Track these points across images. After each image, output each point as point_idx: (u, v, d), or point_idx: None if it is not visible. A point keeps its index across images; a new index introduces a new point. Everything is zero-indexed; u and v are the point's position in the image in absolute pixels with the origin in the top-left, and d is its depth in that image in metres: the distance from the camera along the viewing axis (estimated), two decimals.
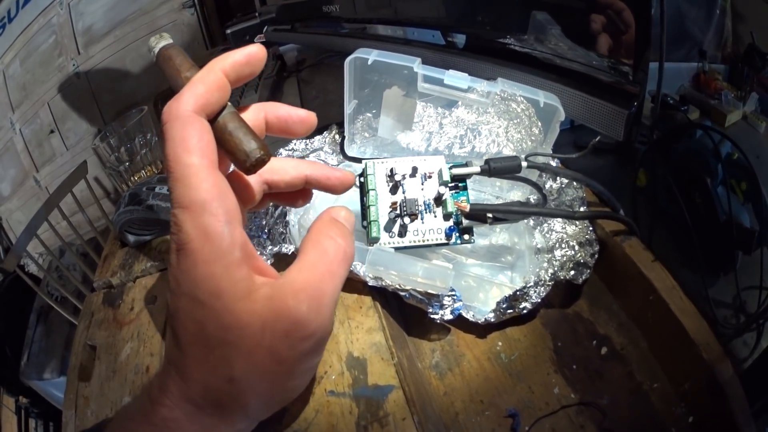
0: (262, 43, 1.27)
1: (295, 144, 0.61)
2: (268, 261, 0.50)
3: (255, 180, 0.33)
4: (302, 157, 0.60)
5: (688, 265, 0.59)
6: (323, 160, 0.60)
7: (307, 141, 0.61)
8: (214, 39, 1.84)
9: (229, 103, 0.29)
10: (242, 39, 1.36)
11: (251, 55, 0.29)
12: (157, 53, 0.31)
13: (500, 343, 0.47)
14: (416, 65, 0.50)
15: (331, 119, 0.65)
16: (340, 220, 0.31)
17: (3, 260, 1.22)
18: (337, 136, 0.63)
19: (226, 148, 0.28)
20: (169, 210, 0.64)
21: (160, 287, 0.59)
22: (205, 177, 0.25)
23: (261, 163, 0.27)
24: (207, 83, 0.27)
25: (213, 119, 0.28)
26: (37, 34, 1.67)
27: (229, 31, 1.37)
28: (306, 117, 0.32)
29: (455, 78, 0.49)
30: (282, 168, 0.34)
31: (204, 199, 0.25)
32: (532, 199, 0.54)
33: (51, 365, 1.36)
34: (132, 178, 0.80)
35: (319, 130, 0.63)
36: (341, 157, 0.60)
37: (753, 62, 0.61)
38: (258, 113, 0.32)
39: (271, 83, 0.98)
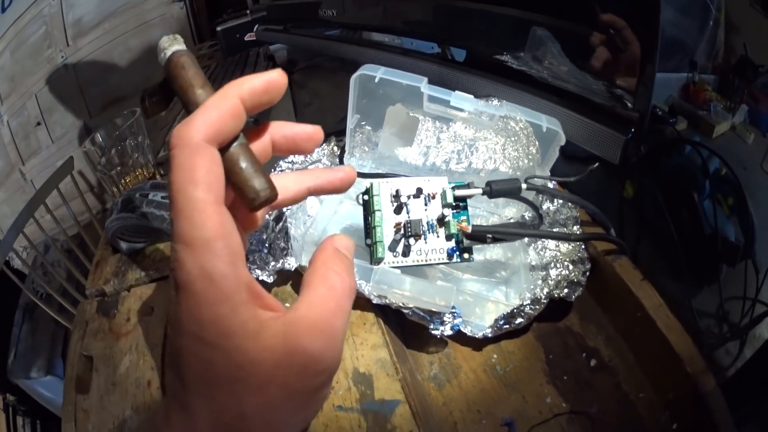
0: (252, 41, 1.26)
1: (294, 156, 0.61)
2: (271, 277, 0.50)
3: None
4: (301, 170, 0.60)
5: (673, 275, 0.60)
6: None
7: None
8: (203, 34, 1.83)
9: (241, 134, 0.27)
10: (232, 37, 1.35)
11: (271, 82, 0.27)
12: (168, 58, 0.28)
13: (495, 356, 0.49)
14: (423, 85, 0.50)
15: (327, 128, 0.65)
16: (343, 251, 0.31)
17: None
18: (335, 148, 0.63)
19: (233, 182, 0.26)
20: (163, 218, 0.62)
21: (156, 298, 0.59)
22: (210, 214, 0.24)
23: (267, 202, 0.26)
24: (221, 110, 0.25)
25: (224, 148, 0.26)
26: (28, 24, 1.64)
27: (219, 29, 1.36)
28: (313, 133, 0.31)
29: (461, 100, 0.50)
30: (284, 186, 0.32)
31: (208, 238, 0.24)
32: (526, 216, 0.55)
33: (38, 364, 1.34)
34: (123, 181, 0.79)
35: None
36: None
37: (744, 74, 0.61)
38: (263, 135, 0.30)
39: None
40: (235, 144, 0.26)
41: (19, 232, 1.24)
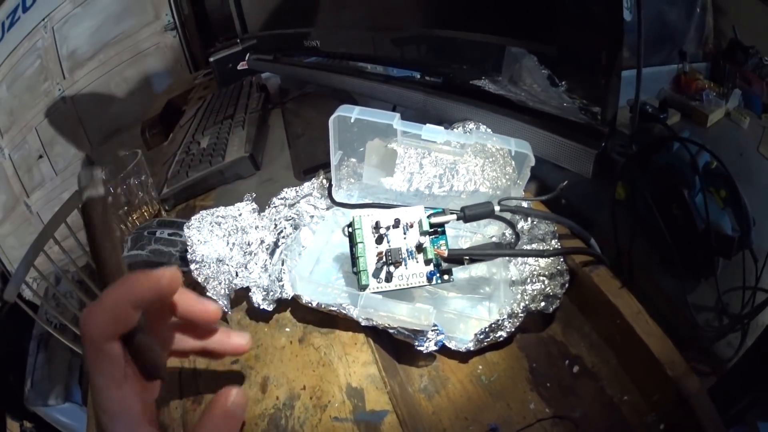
0: (246, 70, 1.30)
1: (285, 192, 0.66)
2: (271, 306, 0.55)
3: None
4: (293, 205, 0.65)
5: (669, 273, 0.61)
6: (313, 205, 0.65)
7: (297, 188, 0.66)
8: (197, 61, 1.87)
9: (140, 320, 0.34)
10: (225, 66, 1.39)
11: (161, 291, 0.35)
12: (83, 203, 0.35)
13: (481, 367, 0.52)
14: (395, 122, 0.55)
15: (318, 159, 0.68)
16: (233, 410, 0.36)
17: (2, 290, 1.25)
18: (324, 181, 0.67)
19: (133, 360, 0.34)
20: (170, 254, 0.68)
21: None
22: (113, 396, 0.33)
23: (159, 379, 0.36)
24: (115, 314, 0.33)
25: (124, 336, 0.33)
26: (23, 58, 1.68)
27: (212, 59, 1.40)
28: (207, 312, 0.40)
29: (432, 132, 0.54)
30: (185, 341, 0.42)
31: (113, 411, 0.33)
32: (507, 234, 0.59)
33: (55, 391, 1.39)
34: (130, 219, 0.83)
35: (307, 176, 0.67)
36: (329, 201, 0.65)
37: (735, 57, 0.60)
38: (167, 315, 0.39)
39: (257, 118, 0.99)
40: (133, 331, 0.34)
41: (30, 266, 1.29)
